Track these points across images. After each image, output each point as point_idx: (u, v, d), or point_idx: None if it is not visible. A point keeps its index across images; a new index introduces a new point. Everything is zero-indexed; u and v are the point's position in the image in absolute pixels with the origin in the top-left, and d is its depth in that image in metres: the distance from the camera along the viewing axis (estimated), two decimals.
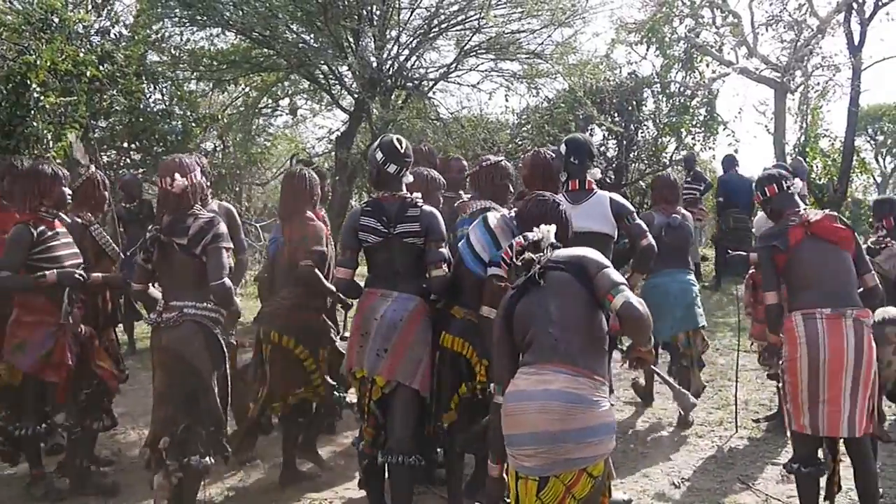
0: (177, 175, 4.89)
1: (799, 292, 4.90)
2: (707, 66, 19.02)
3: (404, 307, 4.86)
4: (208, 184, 5.52)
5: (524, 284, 3.68)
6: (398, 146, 5.01)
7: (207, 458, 4.84)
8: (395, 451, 4.83)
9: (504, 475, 3.81)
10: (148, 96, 12.99)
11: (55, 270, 5.43)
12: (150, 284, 5.20)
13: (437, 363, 4.94)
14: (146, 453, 4.97)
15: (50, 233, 5.53)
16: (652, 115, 17.69)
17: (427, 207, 5.04)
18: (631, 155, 17.31)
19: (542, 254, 3.72)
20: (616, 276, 3.70)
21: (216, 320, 4.92)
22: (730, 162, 14.32)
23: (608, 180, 7.57)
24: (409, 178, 5.11)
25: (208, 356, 4.84)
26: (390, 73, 12.94)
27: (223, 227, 4.91)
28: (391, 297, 4.89)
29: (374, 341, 4.87)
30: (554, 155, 5.43)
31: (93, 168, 6.09)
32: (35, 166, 5.78)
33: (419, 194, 5.16)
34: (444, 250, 4.93)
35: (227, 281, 4.78)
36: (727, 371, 8.81)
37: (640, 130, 17.59)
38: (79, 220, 5.90)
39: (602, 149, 16.71)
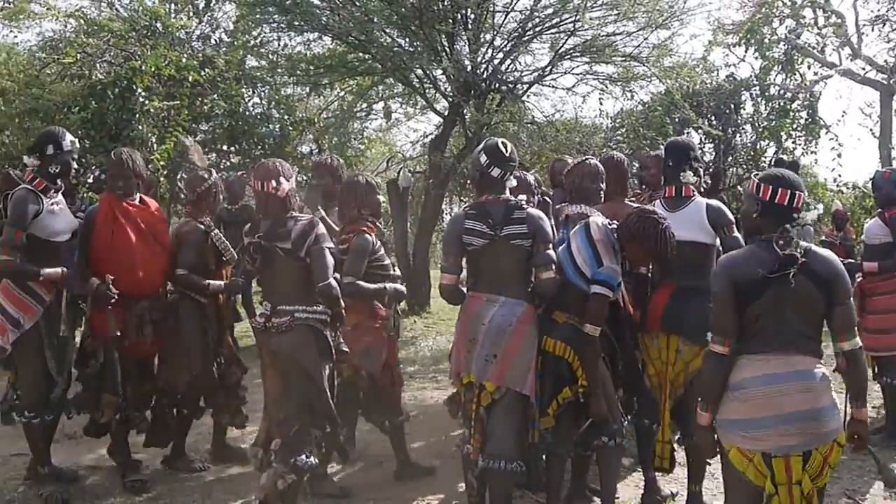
0: (281, 179, 4.96)
1: None
2: (808, 67, 18.54)
3: (512, 312, 4.79)
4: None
5: (774, 278, 3.61)
6: (503, 149, 4.91)
7: (313, 458, 4.92)
8: (496, 456, 4.76)
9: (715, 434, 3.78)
10: (247, 100, 13.41)
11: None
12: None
13: (539, 367, 4.84)
14: (258, 453, 5.06)
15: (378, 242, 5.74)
16: (750, 119, 17.37)
17: (533, 210, 4.97)
18: (728, 159, 17.03)
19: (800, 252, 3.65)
20: (850, 316, 3.72)
21: (325, 322, 4.99)
22: None
23: (704, 186, 7.45)
24: (513, 182, 5.01)
25: (320, 359, 4.92)
26: (484, 76, 12.97)
27: (322, 228, 4.98)
28: (497, 303, 4.82)
29: (482, 347, 4.79)
30: (622, 158, 5.37)
31: (214, 173, 6.18)
32: (351, 178, 5.99)
33: (524, 197, 5.15)
34: (552, 253, 4.85)
35: (332, 281, 4.84)
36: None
37: (738, 134, 17.29)
38: (201, 226, 6.06)
39: (699, 153, 16.43)
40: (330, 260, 4.89)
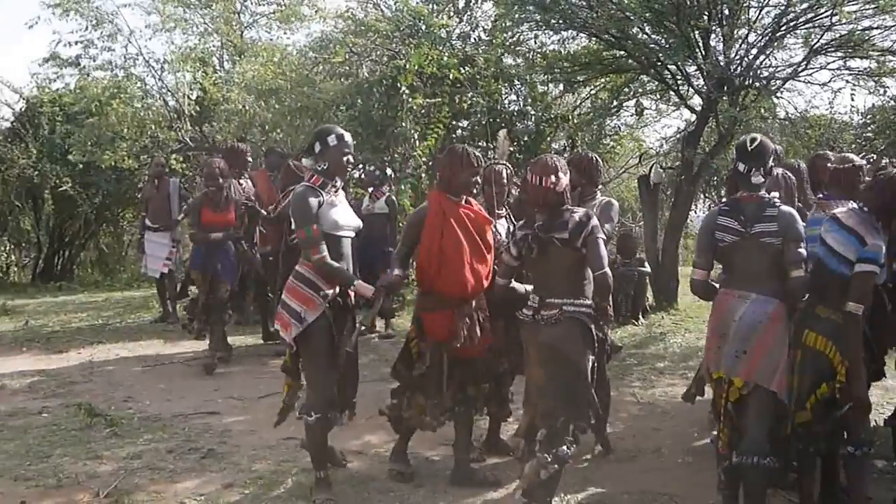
0: (560, 174, 5.10)
1: None
2: None
3: (763, 309, 4.81)
4: None
5: None
6: (748, 145, 4.97)
7: (572, 448, 5.06)
8: (749, 451, 4.82)
9: None
10: (504, 97, 13.66)
11: None
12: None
13: (799, 361, 4.87)
14: (520, 443, 5.26)
15: None
16: None
17: (785, 207, 4.94)
18: None
19: None
20: None
21: (591, 315, 5.08)
22: None
23: None
24: (759, 179, 4.96)
25: (586, 351, 5.03)
26: (738, 72, 12.84)
27: (596, 220, 5.08)
28: (749, 299, 4.85)
29: (732, 342, 4.86)
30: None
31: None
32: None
33: (776, 194, 5.08)
34: (803, 251, 4.82)
35: (608, 270, 4.93)
36: None
37: None
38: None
39: None
40: (604, 250, 4.99)
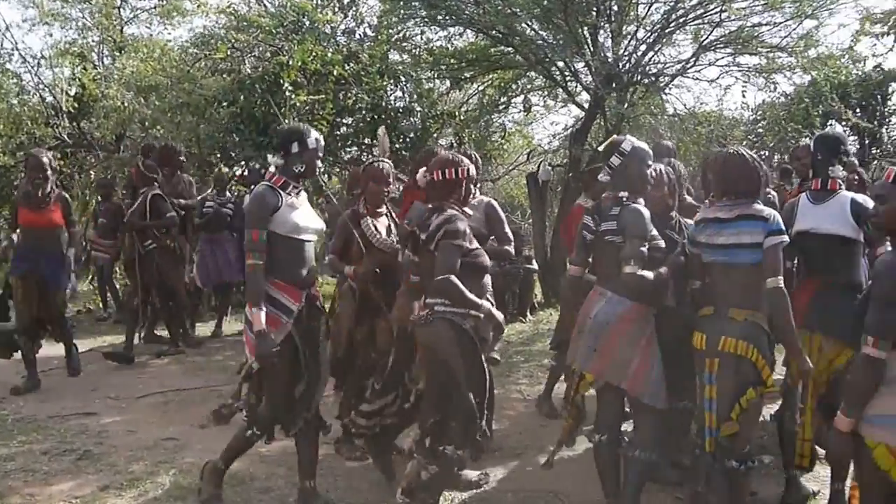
0: (466, 162, 5.03)
1: None
2: None
3: (613, 309, 4.83)
4: None
5: None
6: (604, 146, 5.07)
7: (459, 450, 4.91)
8: (634, 444, 4.91)
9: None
10: (389, 94, 13.50)
11: None
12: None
13: (718, 371, 4.66)
14: (411, 443, 5.17)
15: None
16: None
17: (632, 206, 4.89)
18: (874, 152, 16.55)
19: None
20: None
21: (466, 316, 4.90)
22: None
23: (855, 180, 7.07)
24: (604, 177, 5.02)
25: (458, 352, 4.87)
26: (626, 68, 12.86)
27: (459, 225, 4.86)
28: (605, 297, 4.89)
29: (586, 338, 4.89)
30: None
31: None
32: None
33: (625, 193, 4.96)
34: (643, 249, 4.77)
35: (449, 277, 4.74)
36: None
37: (885, 126, 16.80)
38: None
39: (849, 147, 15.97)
40: (453, 256, 4.80)
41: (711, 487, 4.78)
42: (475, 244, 4.93)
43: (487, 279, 5.12)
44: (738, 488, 4.75)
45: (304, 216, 5.16)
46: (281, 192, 5.08)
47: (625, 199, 4.90)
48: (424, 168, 5.13)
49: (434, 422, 4.93)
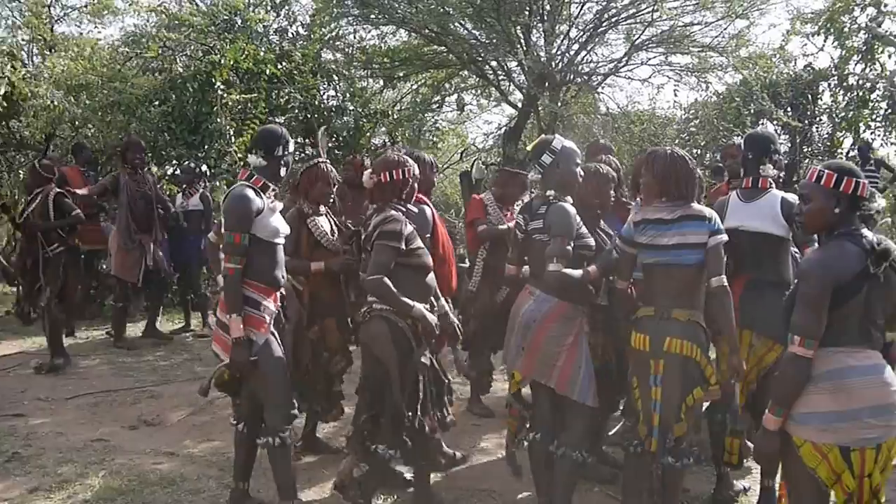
0: (410, 162, 5.05)
1: None
2: (889, 57, 18.10)
3: (539, 308, 4.85)
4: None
5: (869, 274, 3.60)
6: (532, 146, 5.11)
7: (392, 450, 4.91)
8: (564, 442, 4.89)
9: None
10: (322, 93, 13.49)
11: None
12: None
13: (663, 372, 4.68)
14: (346, 441, 5.19)
15: None
16: (828, 110, 17.10)
17: (558, 205, 4.89)
18: (805, 151, 16.78)
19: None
20: None
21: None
22: None
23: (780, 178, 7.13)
24: (534, 175, 5.07)
25: (393, 350, 4.88)
26: (559, 67, 12.95)
27: (395, 226, 4.84)
28: (534, 296, 4.91)
29: (515, 337, 4.92)
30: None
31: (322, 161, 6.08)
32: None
33: (552, 192, 4.98)
34: (568, 248, 4.75)
35: (377, 277, 4.74)
36: None
37: (815, 125, 17.03)
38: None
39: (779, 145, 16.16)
40: (385, 257, 4.79)
41: (650, 486, 4.88)
42: (417, 243, 4.91)
43: (431, 277, 5.06)
44: (673, 486, 4.81)
45: (280, 221, 5.05)
46: (262, 193, 4.91)
47: (552, 197, 4.91)
48: (370, 170, 5.09)
49: (367, 419, 4.92)
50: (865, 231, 3.60)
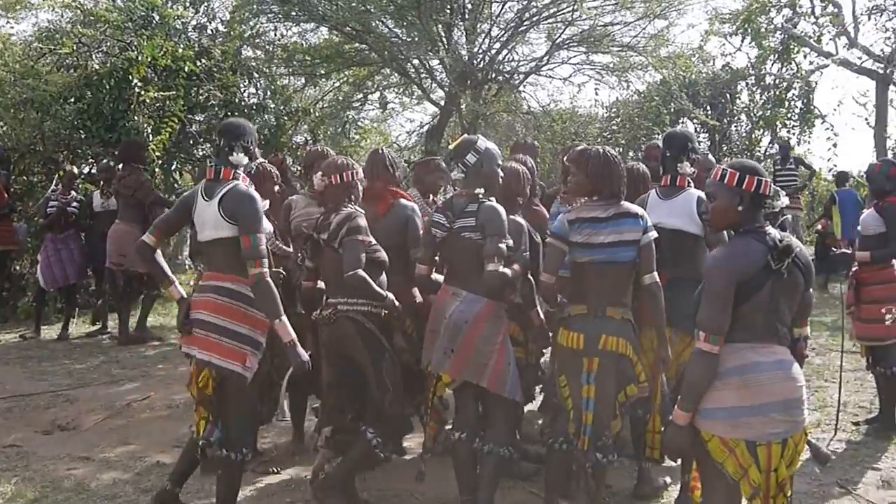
0: (356, 166, 5.09)
1: None
2: (804, 57, 18.50)
3: (470, 308, 4.82)
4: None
5: (773, 269, 3.63)
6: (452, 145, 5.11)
7: (367, 447, 4.96)
8: (489, 439, 4.88)
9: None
10: (242, 91, 13.38)
11: None
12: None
13: (598, 370, 4.69)
14: (316, 437, 5.23)
15: None
16: (746, 109, 17.42)
17: (490, 204, 4.88)
18: (723, 149, 17.07)
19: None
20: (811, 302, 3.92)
21: (369, 314, 4.94)
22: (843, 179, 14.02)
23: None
24: (457, 174, 5.04)
25: (366, 350, 4.93)
26: (481, 66, 12.99)
27: (360, 221, 4.91)
28: (460, 297, 4.86)
29: (442, 339, 4.86)
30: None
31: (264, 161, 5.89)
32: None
33: (481, 190, 4.96)
34: (503, 246, 4.76)
35: (357, 272, 4.75)
36: (823, 371, 8.56)
37: (734, 124, 17.33)
38: None
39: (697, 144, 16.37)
40: (358, 252, 4.80)
41: (576, 482, 4.98)
42: (372, 239, 4.92)
43: (384, 277, 5.05)
44: (598, 481, 4.84)
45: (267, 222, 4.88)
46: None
47: (481, 196, 4.91)
48: (320, 173, 5.11)
49: (349, 419, 4.99)
50: (770, 228, 3.64)
